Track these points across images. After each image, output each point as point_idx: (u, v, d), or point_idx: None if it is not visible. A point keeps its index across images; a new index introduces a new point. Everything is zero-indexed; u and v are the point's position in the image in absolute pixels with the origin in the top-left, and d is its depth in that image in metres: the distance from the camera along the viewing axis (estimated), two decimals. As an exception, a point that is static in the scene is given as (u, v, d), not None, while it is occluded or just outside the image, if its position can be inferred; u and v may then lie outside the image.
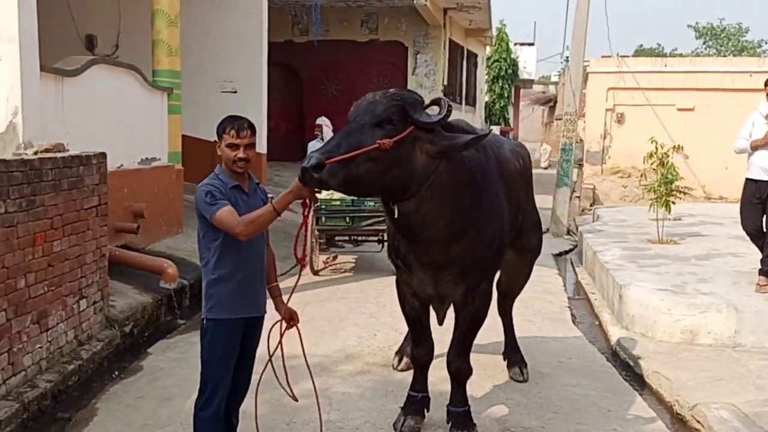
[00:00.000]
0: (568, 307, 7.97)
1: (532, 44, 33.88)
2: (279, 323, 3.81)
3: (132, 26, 11.54)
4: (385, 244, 7.30)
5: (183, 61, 10.77)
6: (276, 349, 3.81)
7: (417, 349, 4.34)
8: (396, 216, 3.48)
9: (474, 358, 5.67)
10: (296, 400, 4.00)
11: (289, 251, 10.17)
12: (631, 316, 6.66)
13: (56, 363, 5.30)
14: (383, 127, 3.26)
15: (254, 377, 3.88)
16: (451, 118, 3.82)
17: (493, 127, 28.59)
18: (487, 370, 5.54)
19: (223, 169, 3.64)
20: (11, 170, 4.79)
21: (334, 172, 3.13)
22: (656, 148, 9.42)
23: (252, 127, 3.62)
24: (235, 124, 3.56)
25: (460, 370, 4.17)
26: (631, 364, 6.00)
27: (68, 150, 6.41)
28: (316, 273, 8.85)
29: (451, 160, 3.43)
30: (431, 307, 4.25)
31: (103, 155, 6.14)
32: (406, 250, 3.86)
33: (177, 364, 5.73)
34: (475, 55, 23.01)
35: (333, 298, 7.70)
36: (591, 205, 17.08)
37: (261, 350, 3.86)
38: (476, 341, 6.09)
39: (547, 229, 13.34)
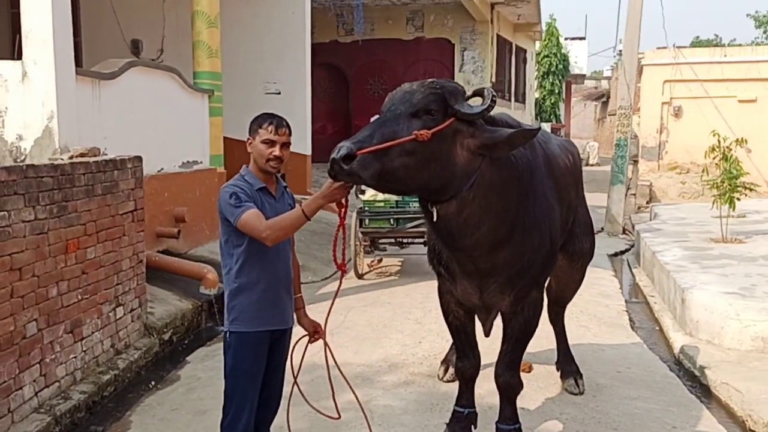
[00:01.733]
0: (626, 311, 7.54)
1: (583, 38, 33.15)
2: (304, 338, 3.56)
3: (176, 30, 11.49)
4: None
5: (225, 62, 10.66)
6: (300, 365, 3.57)
7: (462, 361, 4.03)
8: (435, 219, 3.17)
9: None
10: (336, 418, 3.74)
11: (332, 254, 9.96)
12: (695, 322, 6.20)
13: (91, 373, 5.16)
14: (421, 117, 2.95)
15: (285, 392, 3.63)
16: (498, 115, 3.53)
17: (543, 124, 28.01)
18: (540, 382, 5.19)
19: (249, 169, 3.40)
20: (41, 175, 4.65)
21: (365, 164, 2.82)
22: (719, 142, 8.87)
23: (289, 127, 3.38)
24: (274, 120, 3.33)
25: (509, 385, 3.83)
26: (697, 374, 5.56)
27: (106, 154, 6.31)
28: (360, 277, 8.59)
29: (495, 158, 3.11)
30: (477, 317, 3.93)
31: (139, 159, 6.00)
32: (449, 256, 3.55)
33: (215, 374, 5.52)
34: (524, 51, 22.45)
35: (377, 303, 7.43)
36: (647, 203, 16.45)
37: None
38: (528, 350, 5.82)
39: (602, 229, 12.86)
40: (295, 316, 3.60)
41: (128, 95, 7.12)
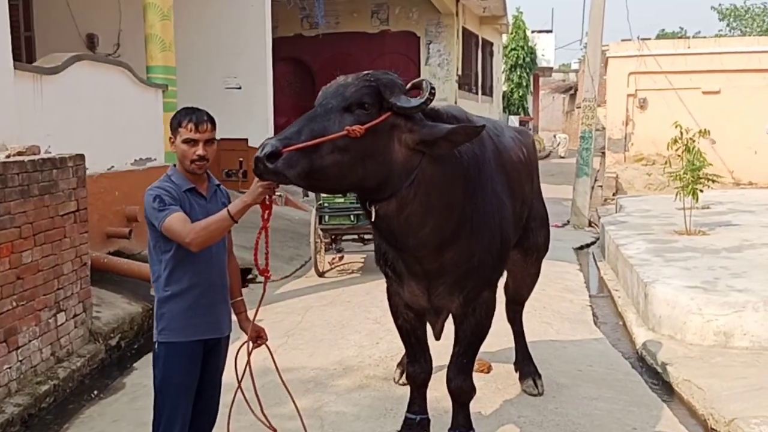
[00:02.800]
0: (590, 306, 7.44)
1: (550, 31, 33.17)
2: (246, 344, 3.33)
3: (133, 24, 11.14)
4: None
5: (183, 56, 10.36)
6: (244, 372, 3.35)
7: (413, 366, 3.85)
8: (375, 219, 2.98)
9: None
10: (274, 430, 3.53)
11: (296, 251, 9.72)
12: (657, 317, 6.11)
13: (28, 384, 4.89)
14: (353, 111, 2.76)
15: (226, 405, 3.42)
16: (446, 107, 3.35)
17: (511, 116, 28.01)
18: (499, 383, 5.04)
19: (176, 169, 3.18)
20: (-33, 176, 4.38)
21: (291, 162, 2.63)
22: (681, 133, 8.81)
23: (212, 121, 3.16)
24: (194, 116, 3.10)
25: (461, 390, 3.67)
26: (659, 371, 5.46)
27: (49, 152, 6.02)
28: (321, 275, 8.38)
29: (435, 154, 2.92)
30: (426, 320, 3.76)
31: (81, 157, 5.72)
32: (394, 256, 3.37)
33: (163, 381, 5.30)
34: (491, 44, 22.39)
35: (336, 302, 7.23)
36: (614, 195, 16.45)
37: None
38: (486, 349, 5.65)
39: (568, 221, 12.82)
40: (236, 321, 3.41)
41: (74, 91, 6.82)
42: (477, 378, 5.07)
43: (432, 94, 2.82)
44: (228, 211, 2.89)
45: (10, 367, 4.75)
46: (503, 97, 28.66)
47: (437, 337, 3.86)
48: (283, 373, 5.21)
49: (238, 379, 3.36)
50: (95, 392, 5.19)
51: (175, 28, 8.95)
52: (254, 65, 12.04)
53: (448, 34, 17.56)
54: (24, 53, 11.47)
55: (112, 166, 7.55)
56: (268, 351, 3.48)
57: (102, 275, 6.64)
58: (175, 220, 2.92)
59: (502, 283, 4.90)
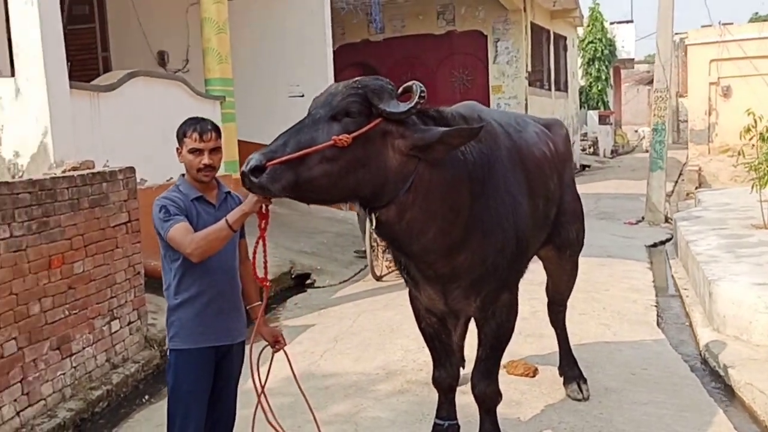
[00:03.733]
0: (655, 306, 7.09)
1: (630, 22, 32.06)
2: (265, 348, 3.36)
3: (199, 40, 11.49)
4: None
5: (246, 67, 10.62)
6: (267, 378, 3.36)
7: (438, 370, 3.77)
8: (376, 225, 2.93)
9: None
10: None
11: (352, 256, 9.65)
12: (722, 317, 5.77)
13: (82, 389, 5.09)
14: (341, 120, 2.71)
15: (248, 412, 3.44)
16: (456, 108, 3.26)
17: (590, 111, 27.24)
18: (543, 387, 4.88)
19: (185, 179, 3.24)
20: (16, 192, 4.59)
21: (275, 177, 2.61)
22: (755, 122, 8.31)
23: (217, 129, 3.20)
24: (198, 125, 3.15)
25: (485, 395, 3.55)
26: (721, 373, 5.15)
27: (108, 166, 6.28)
28: (378, 279, 8.37)
29: (431, 159, 2.83)
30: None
31: (131, 170, 5.92)
32: (407, 261, 3.30)
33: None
34: (564, 38, 21.85)
35: (390, 306, 7.19)
36: (696, 189, 15.71)
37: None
38: (535, 352, 5.51)
39: (642, 218, 12.33)
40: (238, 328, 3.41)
41: (130, 106, 7.08)
42: (521, 382, 5.01)
43: (422, 97, 2.73)
44: (226, 220, 2.91)
45: (63, 373, 4.95)
46: (581, 92, 27.93)
47: (459, 340, 3.76)
48: (326, 379, 5.34)
49: (257, 385, 3.36)
50: (146, 397, 5.36)
51: (238, 39, 9.15)
52: (316, 72, 12.14)
53: (516, 30, 17.25)
54: (101, 72, 12.00)
55: (171, 178, 7.76)
56: (286, 356, 3.45)
57: (161, 282, 6.83)
58: (178, 231, 2.96)
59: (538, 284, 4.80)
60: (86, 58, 12.69)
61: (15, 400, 4.47)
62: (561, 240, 4.27)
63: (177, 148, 3.19)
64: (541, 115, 17.94)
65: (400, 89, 2.87)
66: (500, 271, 3.27)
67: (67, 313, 5.02)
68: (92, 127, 6.56)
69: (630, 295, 7.38)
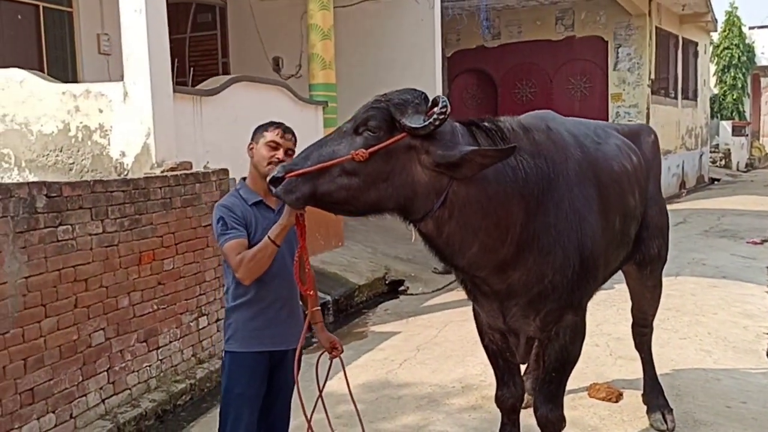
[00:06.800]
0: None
1: (772, 26, 29.93)
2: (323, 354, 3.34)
3: (310, 47, 11.81)
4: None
5: (353, 73, 10.75)
6: (324, 384, 3.34)
7: (501, 389, 3.61)
8: (418, 237, 2.85)
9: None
10: None
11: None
12: (841, 350, 5.21)
13: (167, 382, 5.29)
14: (362, 134, 2.66)
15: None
16: (521, 119, 3.11)
17: (723, 122, 25.68)
18: (625, 414, 4.59)
19: (245, 183, 3.28)
20: (110, 190, 4.84)
21: (291, 188, 2.63)
22: None
23: (295, 137, 3.25)
24: (282, 125, 3.23)
25: (547, 420, 3.36)
26: (833, 413, 4.65)
27: (208, 168, 6.53)
28: (472, 289, 8.20)
29: (460, 177, 2.67)
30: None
31: (225, 171, 6.11)
32: (464, 275, 3.19)
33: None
34: (695, 44, 20.66)
35: (478, 318, 7.02)
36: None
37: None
38: (622, 376, 5.20)
39: (767, 238, 11.42)
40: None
41: (231, 110, 7.32)
42: (603, 407, 4.73)
43: (442, 112, 2.61)
44: (269, 237, 2.94)
45: (150, 365, 5.17)
46: (714, 101, 26.35)
47: (521, 360, 3.59)
48: (401, 388, 5.28)
49: (319, 388, 3.34)
50: (227, 394, 5.49)
51: (345, 46, 9.23)
52: (423, 79, 12.10)
53: (639, 36, 16.47)
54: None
55: (270, 180, 7.99)
56: (341, 364, 3.41)
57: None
58: (231, 249, 3.01)
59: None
60: (207, 63, 13.34)
61: (101, 388, 4.71)
62: (642, 256, 4.00)
63: (250, 145, 3.20)
64: (665, 126, 17.15)
65: (430, 103, 2.75)
66: (560, 291, 3.08)
67: (155, 307, 5.24)
68: (194, 130, 6.83)
69: (741, 321, 6.83)
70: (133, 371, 5.01)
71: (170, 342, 5.40)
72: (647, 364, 4.51)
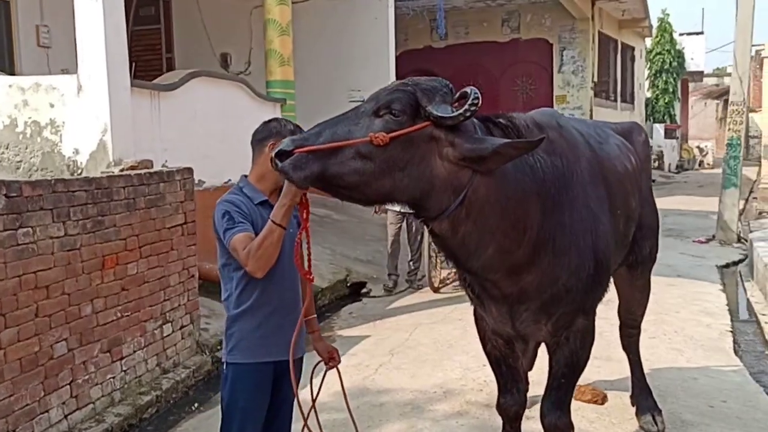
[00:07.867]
0: (731, 332, 6.63)
1: (700, 33, 31.05)
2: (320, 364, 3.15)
3: (262, 42, 11.47)
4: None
5: (308, 70, 10.51)
6: (318, 393, 3.15)
7: (504, 397, 3.48)
8: (432, 237, 2.69)
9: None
10: None
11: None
12: (809, 348, 5.32)
13: (132, 394, 4.97)
14: (383, 117, 2.46)
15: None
16: (534, 114, 3.00)
17: (656, 125, 26.45)
18: (613, 416, 4.55)
19: (248, 181, 3.06)
20: (72, 190, 4.51)
21: (300, 165, 2.40)
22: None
23: None
24: (292, 123, 3.05)
25: (555, 427, 3.25)
26: (809, 411, 4.72)
27: (166, 166, 6.22)
28: (436, 290, 8.11)
29: (485, 171, 2.52)
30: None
31: (189, 171, 5.81)
32: (472, 278, 3.04)
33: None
34: (632, 48, 21.22)
35: (447, 320, 6.92)
36: (771, 207, 14.96)
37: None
38: (604, 377, 5.17)
39: (713, 237, 11.75)
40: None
41: (190, 106, 7.01)
42: (590, 410, 4.67)
43: (474, 104, 2.46)
44: (272, 220, 2.71)
45: (113, 377, 4.85)
46: (647, 105, 27.12)
47: (528, 367, 3.48)
48: (381, 395, 5.11)
49: (312, 399, 3.15)
50: (196, 405, 5.21)
51: (300, 43, 9.01)
52: (378, 78, 11.91)
53: (583, 39, 16.78)
54: (165, 73, 12.09)
55: (229, 180, 7.67)
56: (338, 374, 3.23)
57: (216, 286, 6.72)
58: (239, 242, 2.78)
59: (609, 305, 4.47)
60: (150, 58, 12.84)
61: (63, 403, 4.37)
62: (635, 257, 3.94)
63: (269, 144, 2.94)
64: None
65: (457, 94, 2.60)
66: (574, 294, 2.97)
67: (119, 315, 4.92)
68: (152, 127, 6.50)
69: (703, 319, 6.94)
70: (97, 384, 4.68)
71: (134, 351, 5.08)
72: (635, 365, 4.48)
